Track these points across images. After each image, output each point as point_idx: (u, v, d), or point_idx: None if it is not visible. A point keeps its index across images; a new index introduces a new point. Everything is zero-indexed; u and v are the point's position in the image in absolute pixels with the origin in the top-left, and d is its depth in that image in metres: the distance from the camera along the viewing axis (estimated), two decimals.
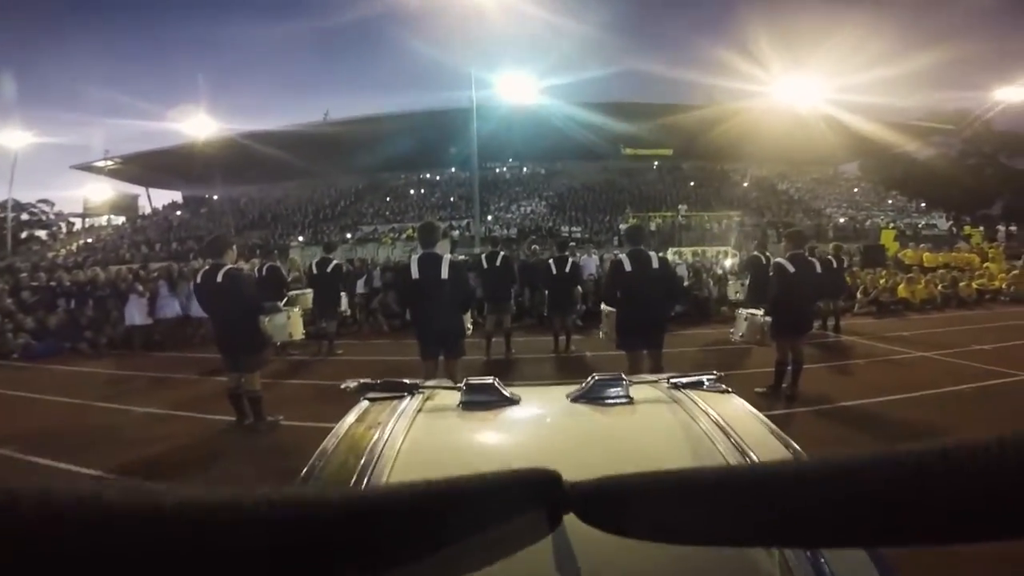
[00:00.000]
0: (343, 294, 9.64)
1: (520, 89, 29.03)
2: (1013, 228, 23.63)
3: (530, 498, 0.46)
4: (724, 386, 1.25)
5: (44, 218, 38.33)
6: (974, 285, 13.35)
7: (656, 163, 35.76)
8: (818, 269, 5.67)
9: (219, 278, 4.56)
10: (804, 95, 28.17)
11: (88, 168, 35.70)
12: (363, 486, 0.78)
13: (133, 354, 9.51)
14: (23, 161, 33.22)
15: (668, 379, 1.28)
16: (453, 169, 35.70)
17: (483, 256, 7.77)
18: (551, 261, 8.04)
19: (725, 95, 30.51)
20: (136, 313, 10.03)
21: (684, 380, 1.25)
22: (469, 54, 20.70)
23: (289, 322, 6.67)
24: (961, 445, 0.29)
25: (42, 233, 36.39)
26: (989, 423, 4.57)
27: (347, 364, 7.85)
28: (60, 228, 37.79)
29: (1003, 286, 13.64)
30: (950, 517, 0.28)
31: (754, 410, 1.10)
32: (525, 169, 36.11)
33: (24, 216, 37.10)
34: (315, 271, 8.42)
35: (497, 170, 35.93)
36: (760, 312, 5.46)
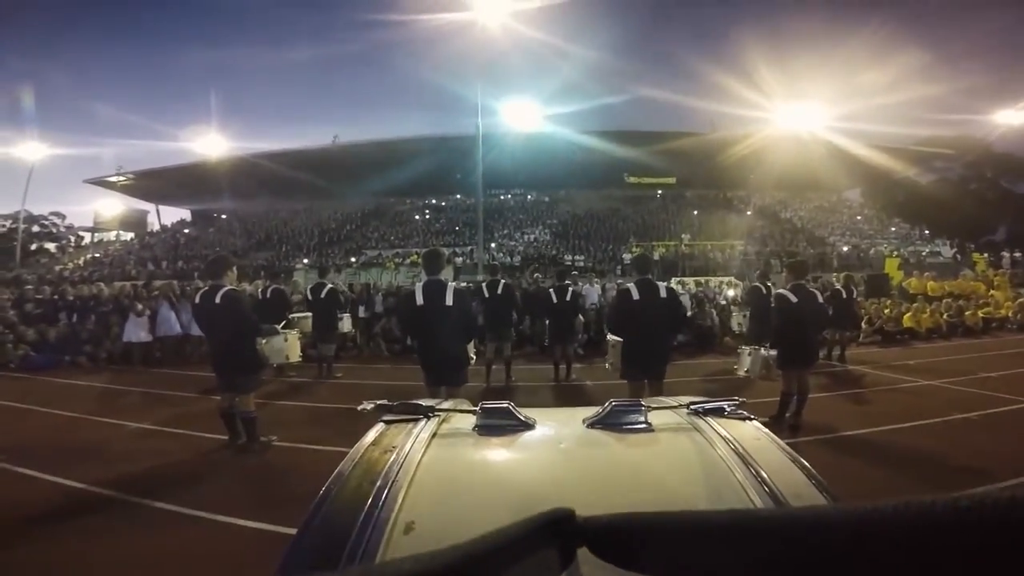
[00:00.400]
0: (347, 316, 9.73)
1: (525, 116, 29.55)
2: (1018, 254, 23.51)
3: (545, 539, 0.47)
4: (745, 412, 1.21)
5: (55, 231, 38.59)
6: (980, 314, 13.24)
7: (659, 191, 36.10)
8: (820, 299, 5.65)
9: (217, 299, 4.59)
10: (806, 122, 28.50)
11: (101, 183, 36.38)
12: (376, 511, 0.79)
13: (131, 370, 9.55)
14: (38, 173, 33.72)
15: (688, 405, 1.24)
16: (458, 195, 36.11)
17: (484, 284, 7.77)
18: (552, 290, 8.05)
19: (728, 122, 30.97)
20: (135, 329, 10.10)
21: (704, 406, 1.22)
22: (476, 82, 21.05)
23: (287, 344, 6.73)
24: (976, 498, 0.29)
25: (51, 246, 36.58)
26: (997, 452, 4.51)
27: (345, 388, 7.80)
28: (70, 241, 38.04)
29: (1009, 314, 13.52)
30: (965, 571, 0.28)
31: (776, 438, 1.06)
32: (529, 196, 36.50)
33: (35, 228, 37.41)
34: (310, 296, 8.51)
35: (501, 197, 36.33)
36: (762, 347, 5.43)
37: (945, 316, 12.73)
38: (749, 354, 5.63)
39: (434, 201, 36.63)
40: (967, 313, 13.10)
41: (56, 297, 11.95)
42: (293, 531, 0.78)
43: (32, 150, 32.30)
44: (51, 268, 27.92)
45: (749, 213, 31.33)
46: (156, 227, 39.82)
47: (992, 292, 15.12)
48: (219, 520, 3.48)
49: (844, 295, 8.99)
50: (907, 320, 12.19)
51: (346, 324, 9.68)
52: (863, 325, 11.89)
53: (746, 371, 5.68)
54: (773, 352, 5.34)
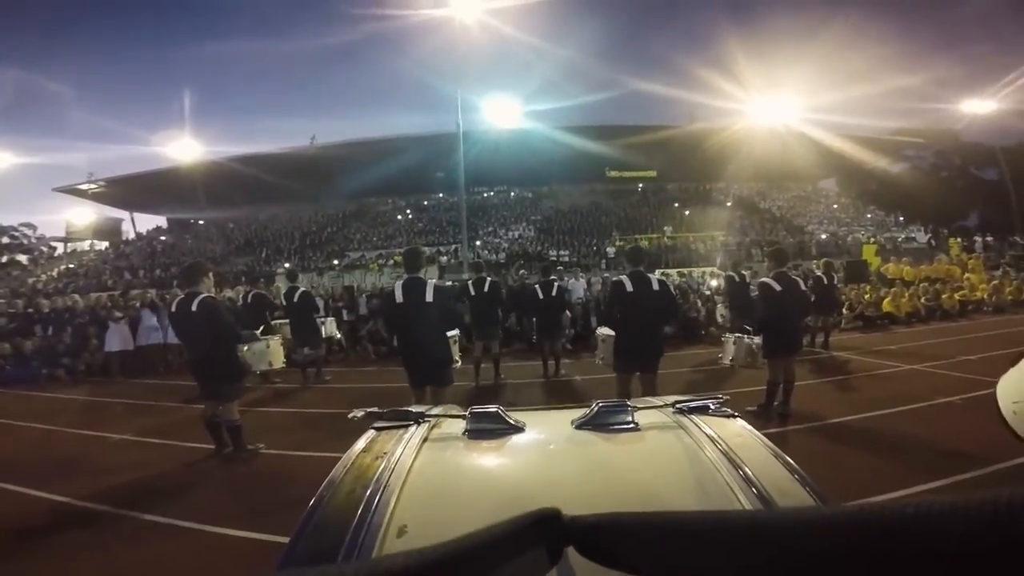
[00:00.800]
0: (331, 320, 9.64)
1: (506, 113, 29.54)
2: (990, 239, 24.14)
3: (532, 538, 0.48)
4: (730, 410, 1.24)
5: (26, 242, 37.35)
6: (956, 297, 13.56)
7: (640, 185, 36.36)
8: (803, 287, 5.70)
9: (194, 307, 4.54)
10: (781, 114, 28.93)
11: (72, 191, 35.26)
12: (369, 516, 0.80)
13: (111, 381, 9.44)
14: (5, 183, 32.71)
15: (674, 403, 1.27)
16: (441, 194, 35.89)
17: (470, 283, 7.73)
18: (537, 286, 8.06)
19: (705, 115, 31.38)
20: (115, 340, 9.96)
21: (690, 404, 1.24)
22: (455, 79, 21.00)
23: (269, 351, 6.66)
24: (960, 501, 0.29)
25: (23, 258, 35.37)
26: (981, 434, 4.57)
27: (333, 392, 7.74)
28: (42, 252, 36.83)
29: (984, 296, 13.86)
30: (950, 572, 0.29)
31: (760, 436, 1.09)
32: (512, 193, 36.43)
33: (5, 240, 36.18)
34: (284, 302, 8.40)
35: (485, 195, 36.23)
36: (747, 335, 5.47)
37: (923, 300, 13.00)
38: (734, 343, 5.66)
39: (416, 200, 36.32)
40: (943, 297, 13.41)
41: (31, 310, 11.73)
42: (283, 539, 0.79)
43: None
44: (24, 281, 27.11)
45: (729, 204, 31.69)
46: (131, 235, 38.87)
47: (967, 275, 15.49)
48: (208, 530, 3.42)
49: (825, 281, 9.12)
50: (886, 305, 12.43)
51: (330, 327, 9.57)
52: (844, 311, 12.12)
53: (731, 359, 5.71)
54: (757, 340, 5.37)
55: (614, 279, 4.96)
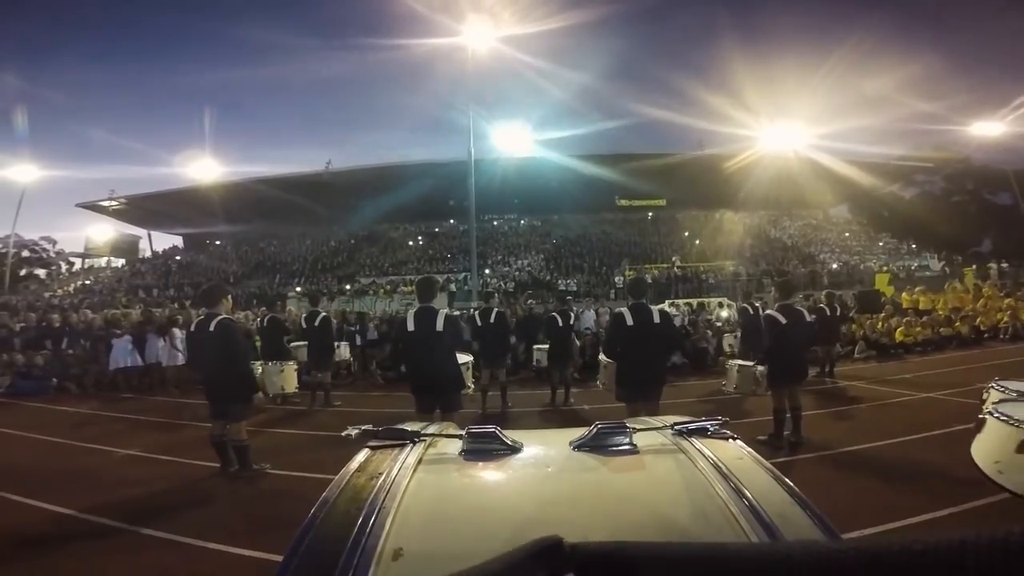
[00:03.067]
0: (344, 344, 9.85)
1: (517, 141, 29.96)
2: (1005, 265, 23.79)
3: (533, 568, 0.47)
4: (728, 432, 1.23)
5: (44, 256, 38.12)
6: (970, 325, 13.34)
7: (651, 213, 36.45)
8: (808, 318, 5.76)
9: (212, 327, 4.68)
10: (791, 141, 28.95)
11: (93, 207, 35.96)
12: (363, 538, 0.79)
13: (119, 396, 9.55)
14: (30, 197, 32.98)
15: (672, 425, 1.25)
16: (452, 221, 36.24)
17: (477, 313, 7.82)
18: (556, 314, 8.22)
19: (715, 142, 31.51)
20: (121, 356, 10.12)
21: (689, 426, 1.23)
22: (467, 106, 21.37)
23: (283, 376, 6.81)
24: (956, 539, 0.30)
25: (41, 271, 35.99)
26: None
27: (343, 415, 7.76)
28: (59, 267, 37.51)
29: (1000, 324, 13.63)
30: None
31: (759, 457, 1.08)
32: (523, 222, 36.70)
33: (25, 253, 36.89)
34: (304, 325, 8.56)
35: (495, 223, 36.49)
36: (751, 363, 5.48)
37: (938, 329, 12.81)
38: (738, 370, 5.68)
39: (427, 227, 36.66)
40: (957, 325, 13.20)
41: (44, 324, 12.02)
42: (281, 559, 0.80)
43: (23, 172, 31.40)
44: (40, 294, 27.55)
45: (739, 233, 31.68)
46: (148, 253, 39.60)
47: (982, 303, 15.26)
48: (210, 547, 3.45)
49: (828, 312, 9.29)
50: (899, 334, 12.26)
51: (344, 352, 9.72)
52: (859, 341, 12.03)
53: (735, 387, 5.73)
54: (760, 368, 5.39)
55: (615, 311, 5.01)
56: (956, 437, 5.34)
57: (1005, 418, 2.87)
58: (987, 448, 2.97)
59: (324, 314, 8.56)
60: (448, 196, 31.97)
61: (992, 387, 3.84)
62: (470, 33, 21.19)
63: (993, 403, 3.18)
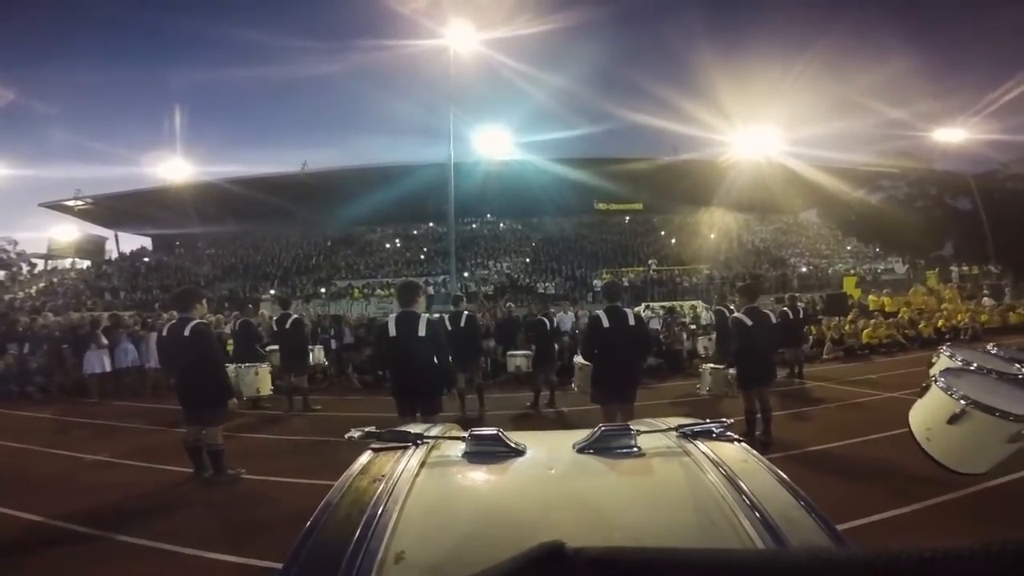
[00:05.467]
0: (319, 348, 9.75)
1: (496, 144, 30.05)
2: (966, 268, 24.74)
3: (534, 575, 0.47)
4: (734, 434, 1.21)
5: (4, 257, 36.32)
6: (933, 326, 13.85)
7: (627, 217, 36.90)
8: (774, 320, 5.92)
9: (186, 332, 4.62)
10: (763, 146, 29.59)
11: (58, 207, 34.73)
12: (365, 542, 0.78)
13: (86, 402, 9.34)
14: None
15: (677, 427, 1.25)
16: (430, 224, 36.04)
17: (446, 317, 7.82)
18: (543, 318, 8.38)
19: (690, 146, 32.02)
20: (95, 361, 9.86)
21: (694, 429, 1.22)
22: (447, 109, 21.27)
23: (257, 378, 6.75)
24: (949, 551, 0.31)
25: (1, 273, 34.22)
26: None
27: (318, 420, 7.68)
28: (21, 268, 35.82)
29: (962, 325, 14.16)
30: None
31: (764, 460, 1.07)
32: (502, 225, 36.75)
33: None
34: (275, 328, 8.44)
35: (473, 225, 36.45)
36: (723, 366, 5.62)
37: (902, 331, 13.26)
38: (710, 373, 5.82)
39: (404, 230, 36.45)
40: (921, 326, 13.69)
41: (4, 328, 11.65)
42: (260, 563, 0.81)
43: None
44: (0, 297, 26.62)
45: (713, 236, 32.27)
46: (114, 255, 38.29)
47: (944, 306, 15.84)
48: (186, 553, 3.40)
49: (791, 315, 9.51)
50: (866, 336, 12.65)
51: (318, 355, 9.61)
52: (827, 343, 12.37)
53: (707, 389, 5.86)
54: (731, 371, 5.53)
55: (592, 314, 5.08)
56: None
57: (944, 387, 2.92)
58: (922, 414, 3.08)
59: (295, 316, 8.47)
60: (427, 198, 31.73)
61: (942, 351, 3.93)
62: (451, 36, 21.10)
63: (940, 369, 3.24)
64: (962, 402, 2.82)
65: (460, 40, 21.27)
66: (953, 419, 2.83)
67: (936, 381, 3.02)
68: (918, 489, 3.96)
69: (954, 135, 29.35)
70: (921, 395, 3.15)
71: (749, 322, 5.47)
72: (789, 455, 5.18)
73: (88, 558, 3.43)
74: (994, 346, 4.16)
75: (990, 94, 28.31)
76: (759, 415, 5.52)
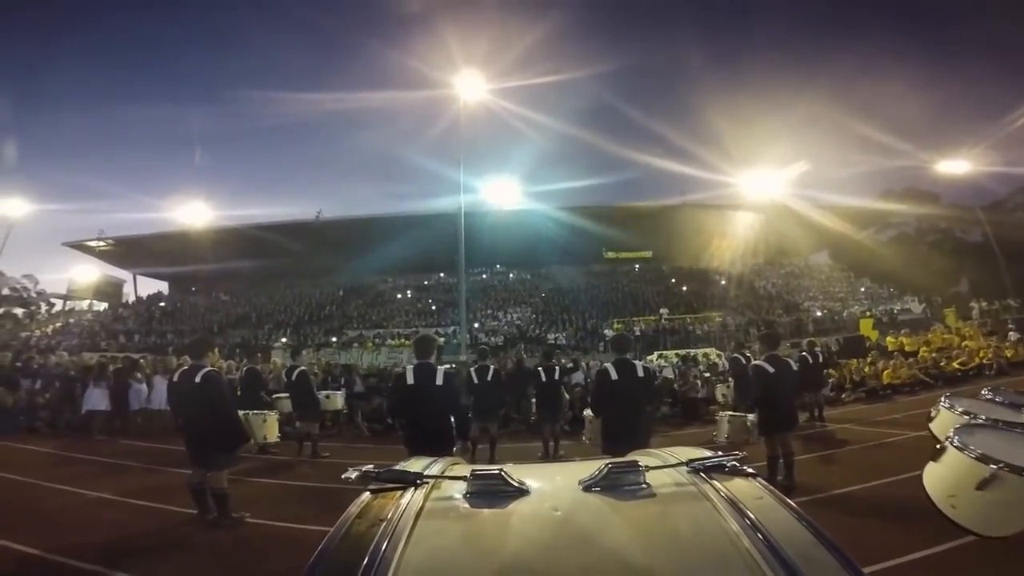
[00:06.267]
0: (341, 393, 10.05)
1: (506, 194, 30.68)
2: (985, 305, 24.24)
3: None
4: (748, 469, 1.16)
5: (25, 295, 36.59)
6: (955, 364, 13.52)
7: (637, 265, 37.03)
8: (794, 367, 5.89)
9: (198, 379, 4.72)
10: (770, 190, 29.78)
11: (80, 247, 35.60)
12: None
13: (90, 439, 9.39)
14: (17, 235, 31.97)
15: (688, 462, 1.19)
16: (441, 274, 36.34)
17: (473, 370, 7.90)
18: (540, 369, 8.31)
19: (698, 192, 32.34)
20: (94, 399, 9.97)
21: (705, 463, 1.17)
22: (458, 159, 21.82)
23: (265, 425, 6.83)
24: None
25: (19, 311, 34.49)
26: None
27: (325, 467, 7.64)
28: (39, 307, 36.09)
29: (985, 361, 13.79)
30: None
31: (780, 495, 1.03)
32: (511, 275, 37.00)
33: (5, 291, 35.29)
34: (285, 378, 8.68)
35: (483, 276, 36.75)
36: (741, 413, 5.53)
37: (923, 369, 12.95)
38: (729, 420, 5.72)
39: (416, 280, 36.69)
40: (943, 364, 13.38)
41: (19, 364, 11.99)
42: None
43: (12, 208, 30.46)
44: (16, 334, 26.90)
45: (723, 283, 32.14)
46: (131, 298, 38.93)
47: (965, 343, 15.48)
48: None
49: (810, 360, 9.53)
50: (887, 376, 12.36)
51: (337, 401, 9.80)
52: (847, 385, 12.13)
53: (726, 437, 5.75)
54: (751, 417, 5.43)
55: (599, 368, 5.07)
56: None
57: (965, 448, 2.65)
58: (943, 479, 2.78)
59: (301, 368, 8.61)
60: (437, 249, 32.11)
61: (941, 403, 3.73)
62: (461, 86, 21.75)
63: (952, 428, 2.99)
64: (992, 466, 2.53)
65: (470, 89, 21.98)
66: (983, 484, 2.54)
67: (953, 442, 2.75)
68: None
69: (959, 167, 29.25)
70: (935, 458, 2.85)
71: (771, 369, 5.44)
72: (815, 499, 5.04)
73: None
74: (989, 391, 3.99)
75: (994, 125, 28.55)
76: (781, 460, 5.39)
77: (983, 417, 3.22)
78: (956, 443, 2.71)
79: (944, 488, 2.75)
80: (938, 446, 2.88)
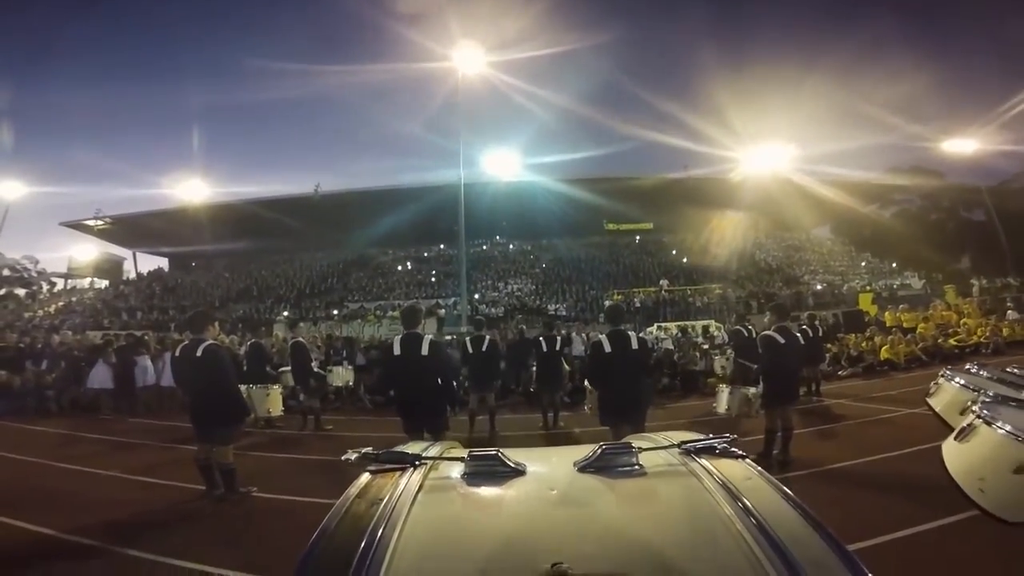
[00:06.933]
0: (347, 367, 10.34)
1: (506, 166, 30.37)
2: (985, 282, 24.25)
3: None
4: (737, 451, 1.20)
5: (26, 275, 36.79)
6: (953, 341, 13.62)
7: (638, 237, 36.89)
8: (801, 339, 5.85)
9: (199, 353, 4.72)
10: (772, 163, 29.53)
11: (78, 226, 35.46)
12: (364, 569, 0.77)
13: (98, 418, 9.48)
14: (14, 215, 32.44)
15: (680, 444, 1.22)
16: (441, 246, 36.24)
17: (468, 340, 7.87)
18: (541, 339, 8.28)
19: (700, 165, 32.01)
20: (99, 377, 10.05)
21: (696, 445, 1.20)
22: (458, 131, 21.58)
23: (268, 399, 6.87)
24: None
25: (21, 291, 34.61)
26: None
27: (330, 440, 7.73)
28: (40, 287, 36.26)
29: (983, 339, 13.87)
30: None
31: (769, 477, 1.05)
32: (512, 246, 36.87)
33: (5, 272, 35.58)
34: (289, 352, 8.66)
35: (484, 247, 36.64)
36: (742, 386, 5.54)
37: (920, 346, 13.02)
38: (730, 393, 5.72)
39: (416, 252, 36.61)
40: (940, 341, 13.46)
41: (23, 345, 11.99)
42: None
43: (9, 189, 30.78)
44: (19, 315, 27.03)
45: (724, 255, 32.04)
46: (132, 275, 38.92)
47: (964, 320, 15.54)
48: (197, 569, 3.40)
49: (811, 333, 9.45)
50: (884, 352, 12.43)
51: (345, 375, 10.06)
52: (843, 361, 12.20)
53: (726, 409, 5.76)
54: (752, 389, 5.44)
55: (593, 340, 5.06)
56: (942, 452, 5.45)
57: (1005, 430, 2.35)
58: (970, 461, 2.51)
59: (295, 339, 8.63)
60: (438, 220, 31.92)
61: (941, 377, 3.65)
62: (460, 58, 21.48)
63: (980, 404, 2.70)
64: None
65: (468, 62, 21.66)
66: (1021, 469, 2.24)
67: (985, 419, 2.46)
68: (942, 504, 3.83)
69: (964, 146, 28.99)
70: (960, 438, 2.60)
71: (781, 340, 5.40)
72: (811, 473, 5.10)
73: (98, 572, 3.47)
74: (975, 365, 3.84)
75: (1001, 105, 28.08)
76: (779, 434, 5.43)
77: (991, 393, 3.01)
78: (989, 421, 2.43)
79: (972, 470, 2.49)
80: (966, 423, 2.62)
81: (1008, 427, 2.34)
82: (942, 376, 3.74)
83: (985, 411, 2.53)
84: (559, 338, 8.59)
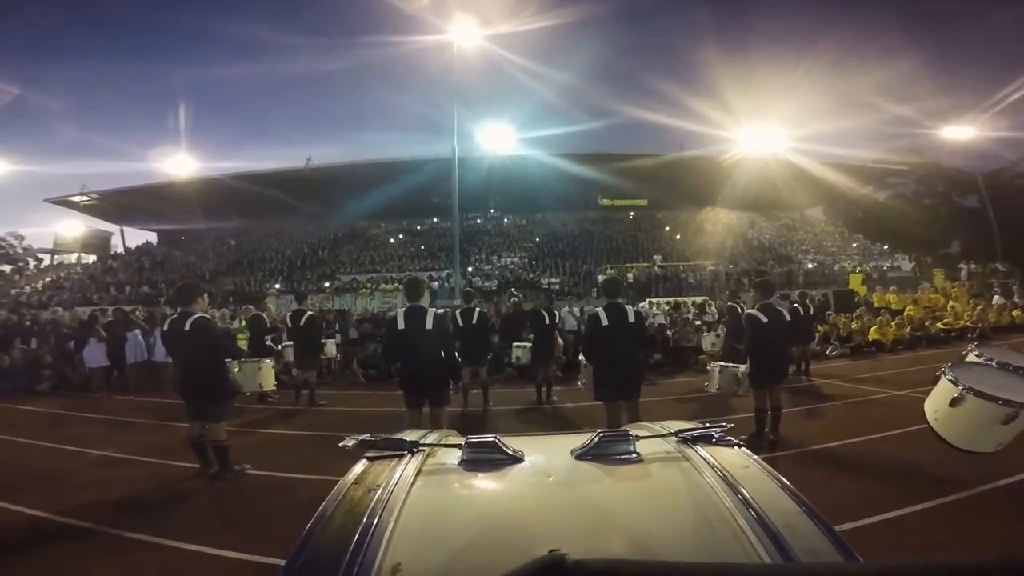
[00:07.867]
0: (331, 341, 9.91)
1: (500, 140, 30.02)
2: (974, 267, 24.53)
3: None
4: (733, 439, 1.21)
5: (11, 252, 36.54)
6: (940, 325, 13.79)
7: (632, 213, 36.75)
8: (787, 317, 5.82)
9: (187, 326, 4.61)
10: (769, 143, 29.40)
11: (63, 202, 34.79)
12: (361, 554, 0.77)
13: (92, 397, 9.36)
14: None
15: (676, 432, 1.24)
16: (434, 219, 35.98)
17: (458, 313, 7.79)
18: (542, 311, 8.25)
19: (695, 143, 31.92)
20: (94, 355, 9.91)
21: (693, 434, 1.22)
22: (452, 104, 21.24)
23: (260, 372, 6.77)
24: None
25: (7, 268, 34.43)
26: (965, 459, 4.60)
27: (324, 415, 7.72)
28: (27, 264, 35.99)
29: (969, 323, 14.08)
30: None
31: (765, 465, 1.07)
32: (505, 220, 36.65)
33: None
34: (290, 324, 8.49)
35: (478, 221, 36.37)
36: (733, 363, 5.55)
37: (908, 329, 13.19)
38: (719, 371, 5.74)
39: (409, 225, 36.36)
40: (927, 324, 13.62)
41: (11, 322, 11.75)
42: (266, 560, 0.79)
43: None
44: (7, 292, 26.70)
45: (718, 233, 32.07)
46: (120, 250, 38.45)
47: (951, 304, 15.75)
48: (190, 549, 3.40)
49: (801, 312, 9.38)
50: (873, 333, 12.60)
51: (330, 349, 9.76)
52: (833, 340, 12.33)
53: (716, 387, 5.79)
54: (742, 368, 5.45)
55: (590, 313, 5.04)
56: (925, 435, 5.52)
57: (949, 376, 3.50)
58: (933, 399, 3.66)
59: (310, 313, 8.52)
60: (431, 193, 31.62)
61: (971, 350, 4.15)
62: (455, 32, 21.07)
63: (948, 366, 3.69)
64: (959, 388, 3.36)
65: (464, 36, 21.22)
66: (954, 402, 3.37)
67: (946, 375, 3.53)
68: (928, 487, 3.94)
69: (962, 132, 29.04)
70: (934, 384, 3.69)
71: (764, 319, 5.36)
72: (798, 452, 5.17)
73: (93, 553, 3.43)
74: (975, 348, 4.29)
75: (999, 91, 27.98)
76: (769, 412, 5.44)
77: (996, 361, 3.78)
78: (947, 373, 3.54)
79: (932, 405, 3.62)
80: (936, 375, 3.68)
81: (951, 375, 3.49)
82: (971, 348, 4.18)
83: (948, 367, 3.64)
84: (556, 313, 8.56)
